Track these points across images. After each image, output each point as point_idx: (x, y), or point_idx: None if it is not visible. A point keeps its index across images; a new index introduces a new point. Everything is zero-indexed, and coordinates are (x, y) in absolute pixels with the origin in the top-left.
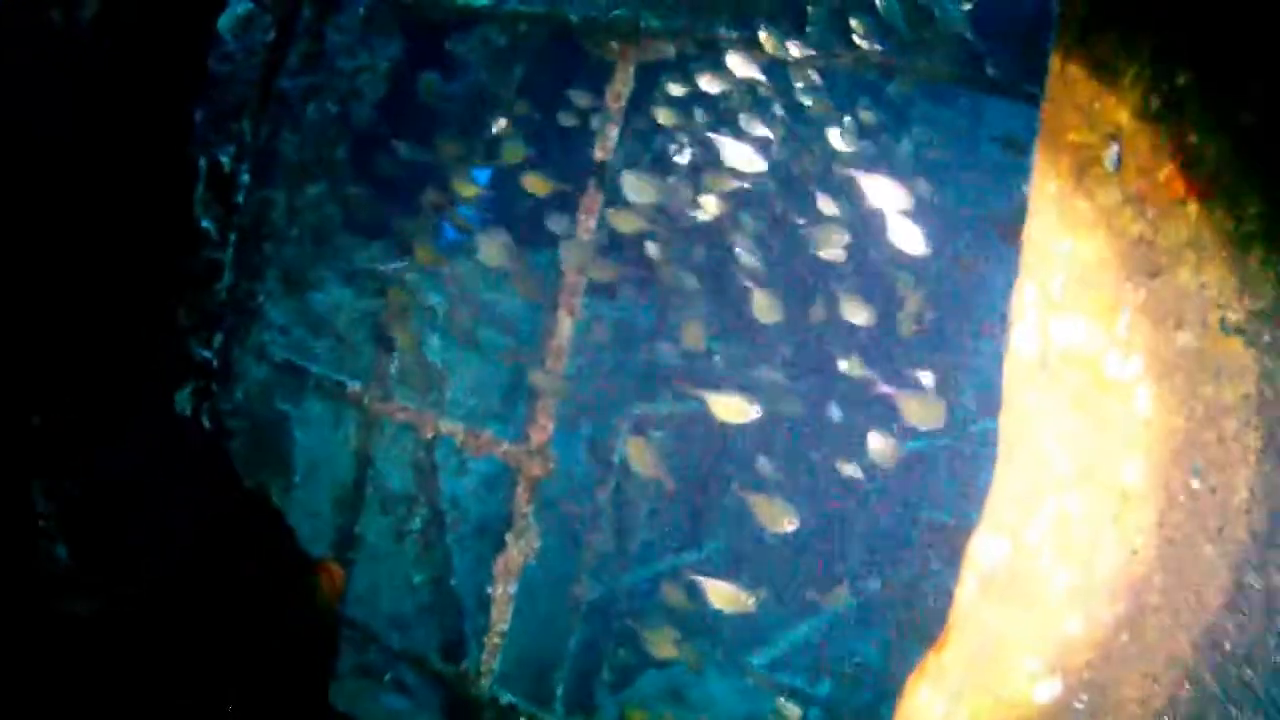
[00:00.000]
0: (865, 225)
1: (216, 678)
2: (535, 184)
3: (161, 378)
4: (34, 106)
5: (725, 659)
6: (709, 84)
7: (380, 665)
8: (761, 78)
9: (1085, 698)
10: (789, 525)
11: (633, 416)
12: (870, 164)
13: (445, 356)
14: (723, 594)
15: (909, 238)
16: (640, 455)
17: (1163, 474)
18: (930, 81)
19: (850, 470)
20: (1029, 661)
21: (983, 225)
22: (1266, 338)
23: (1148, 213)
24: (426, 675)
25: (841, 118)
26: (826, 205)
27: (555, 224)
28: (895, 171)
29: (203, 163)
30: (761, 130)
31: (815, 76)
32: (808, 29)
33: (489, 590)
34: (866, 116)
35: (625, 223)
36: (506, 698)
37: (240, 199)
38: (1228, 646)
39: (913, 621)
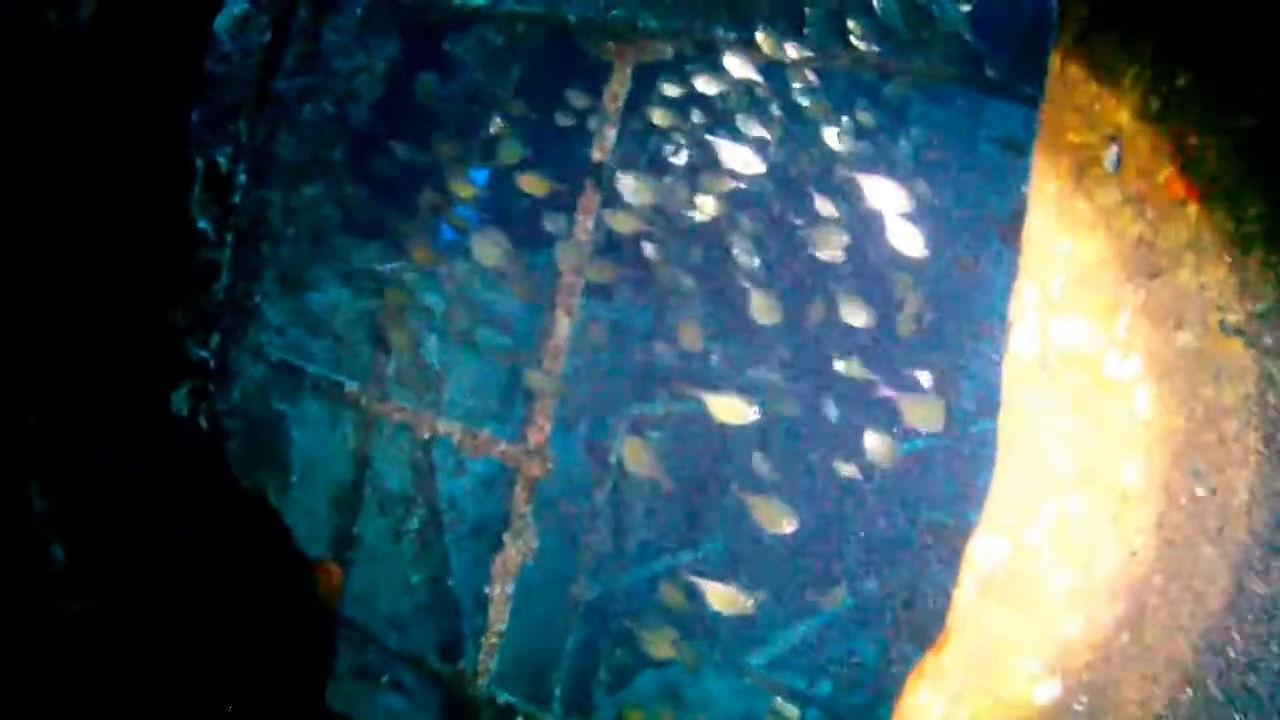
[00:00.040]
0: (863, 226)
1: (216, 678)
2: (532, 184)
3: (159, 378)
4: (32, 106)
5: (723, 659)
6: (707, 85)
7: (378, 665)
8: (759, 79)
9: (1085, 699)
10: (788, 527)
11: (630, 417)
12: (868, 165)
13: (443, 357)
14: (721, 596)
15: (907, 239)
16: (638, 455)
17: (1163, 475)
18: (928, 82)
19: (848, 470)
20: (1029, 663)
21: (982, 226)
22: (1267, 339)
23: (1147, 214)
24: (424, 675)
25: (839, 118)
26: (824, 206)
27: (552, 224)
28: (893, 172)
29: (199, 163)
30: (759, 131)
31: (813, 77)
32: (805, 30)
33: (487, 590)
34: (864, 117)
35: (622, 223)
36: (504, 698)
37: (237, 199)
38: (1228, 649)
39: (911, 622)
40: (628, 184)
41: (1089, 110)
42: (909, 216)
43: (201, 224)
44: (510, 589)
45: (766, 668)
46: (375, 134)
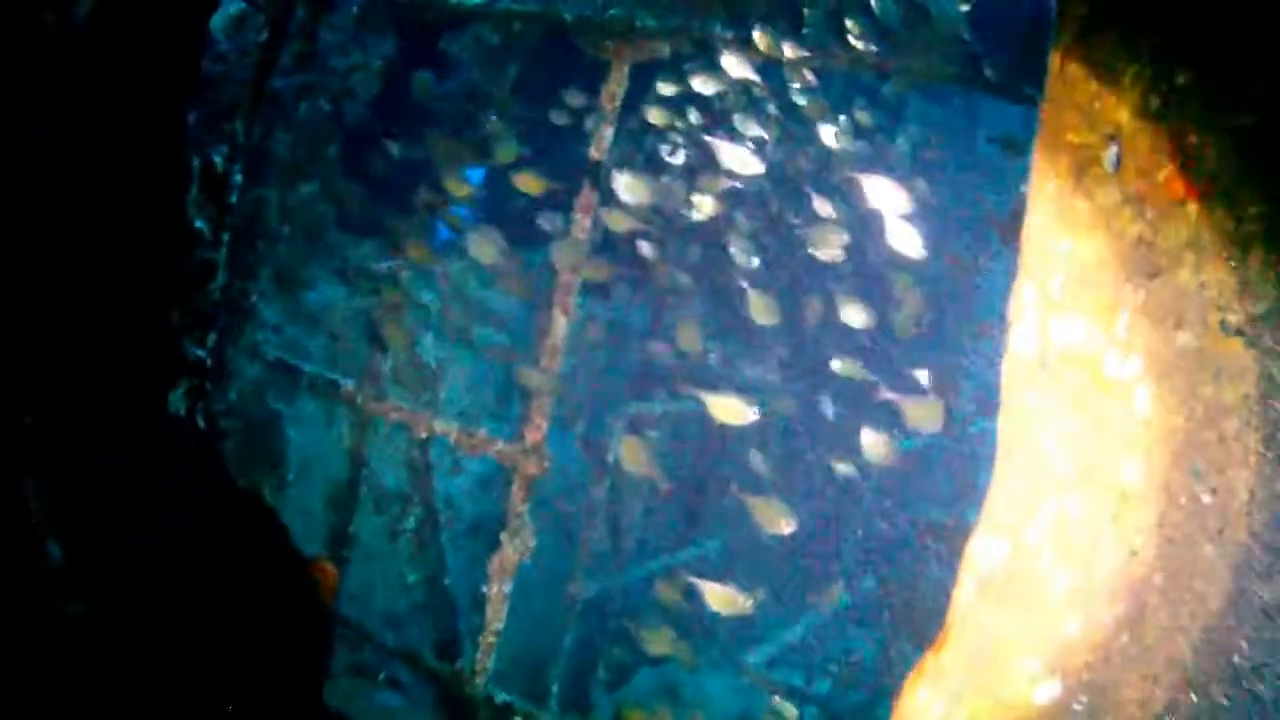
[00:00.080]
0: (862, 225)
1: (214, 679)
2: (529, 183)
3: (155, 377)
4: (30, 106)
5: (721, 657)
6: (704, 84)
7: (375, 664)
8: (756, 78)
9: (1084, 699)
10: (787, 527)
11: (628, 416)
12: (866, 164)
13: (439, 355)
14: (720, 596)
15: (906, 238)
16: (635, 455)
17: (1163, 474)
18: (927, 82)
19: (846, 469)
20: (1028, 662)
21: (981, 225)
22: (1267, 339)
23: (1147, 213)
24: (421, 674)
25: (837, 118)
26: (822, 205)
27: (549, 223)
28: (891, 172)
29: (196, 163)
30: (756, 130)
31: (810, 77)
32: (803, 29)
33: (484, 589)
34: (862, 117)
35: (619, 222)
36: (501, 696)
37: (233, 199)
38: (1229, 649)
39: (910, 621)
40: (624, 183)
41: (1088, 109)
42: (907, 216)
43: (198, 223)
44: (507, 588)
45: (764, 666)
46: (371, 132)
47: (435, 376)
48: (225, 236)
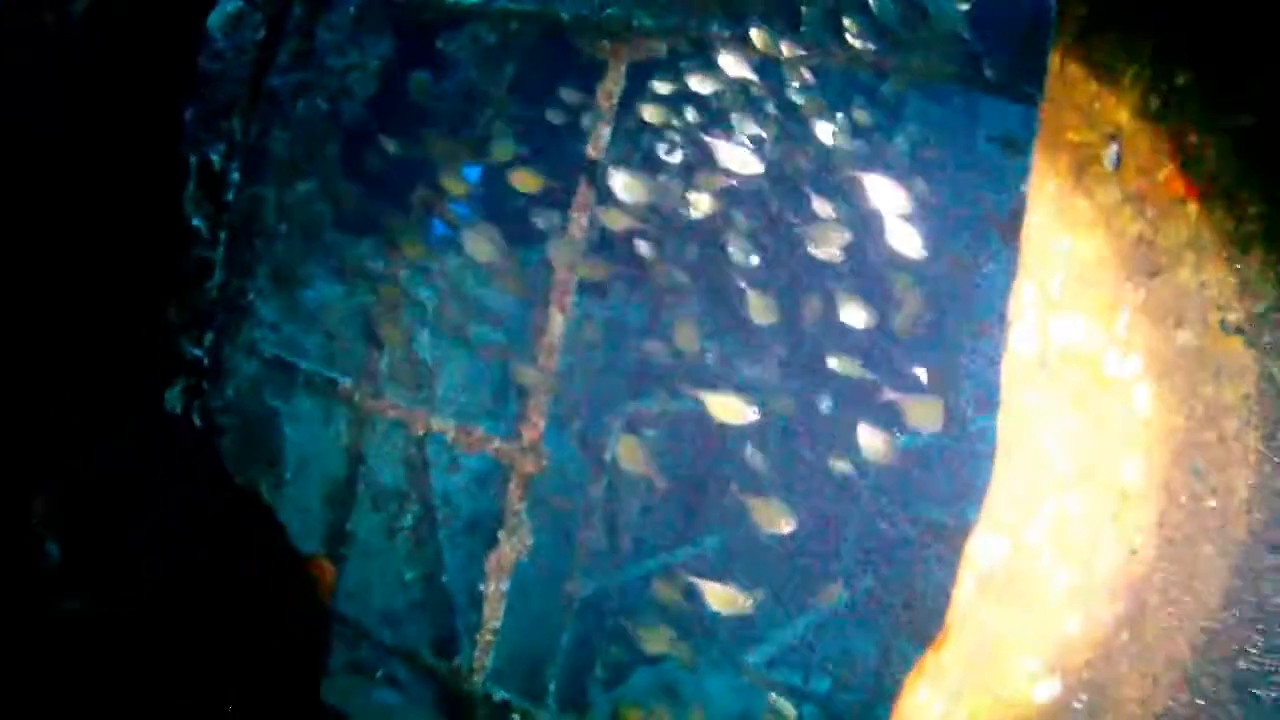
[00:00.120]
0: (860, 224)
1: (212, 676)
2: (525, 181)
3: (152, 375)
4: (29, 105)
5: (720, 656)
6: (701, 83)
7: (372, 662)
8: (754, 77)
9: (1084, 697)
10: (786, 527)
11: (625, 414)
12: (865, 163)
13: (436, 353)
14: (720, 596)
15: (905, 237)
16: (632, 453)
17: (1163, 473)
18: (925, 80)
19: (844, 468)
20: (1028, 661)
21: (980, 224)
22: (1267, 338)
23: (1147, 212)
24: (419, 671)
25: (835, 116)
26: (820, 205)
27: (546, 221)
28: (890, 170)
29: (193, 160)
30: (754, 129)
31: (808, 75)
32: (801, 28)
33: (481, 587)
34: (860, 115)
35: (615, 220)
36: (499, 694)
37: (230, 197)
38: (1229, 647)
39: (909, 620)
40: (621, 181)
41: (1088, 109)
42: (906, 215)
43: (195, 221)
44: (505, 586)
45: (763, 665)
46: (368, 131)
47: (432, 374)
48: (222, 234)
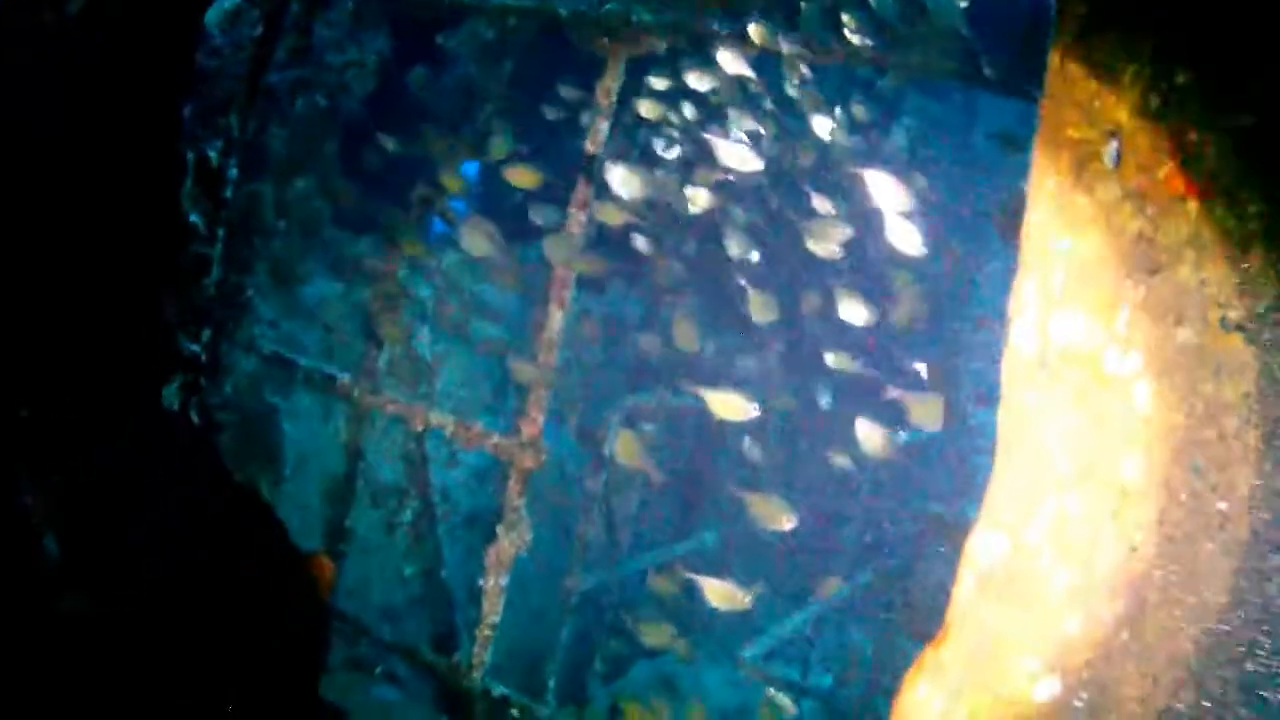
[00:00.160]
0: (859, 220)
1: (214, 674)
2: (523, 177)
3: (151, 372)
4: (27, 103)
5: (718, 650)
6: (700, 79)
7: (371, 658)
8: (751, 72)
9: (1085, 696)
10: (787, 524)
11: (624, 409)
12: (862, 159)
13: (435, 349)
14: (719, 592)
15: (903, 233)
16: (630, 448)
17: (1163, 471)
18: (924, 77)
19: (842, 462)
20: (1028, 660)
21: (979, 221)
22: (1267, 335)
23: (1147, 210)
24: (418, 667)
25: (833, 112)
26: (819, 201)
27: (544, 217)
28: (888, 166)
29: (191, 157)
30: (752, 125)
31: (806, 71)
32: (799, 24)
33: (480, 582)
34: (858, 111)
35: (613, 216)
36: (498, 689)
37: (229, 193)
38: (1230, 646)
39: (907, 616)
40: (618, 176)
41: (1088, 106)
42: (905, 211)
43: (193, 218)
44: (504, 581)
45: (762, 660)
46: (367, 128)
47: (431, 370)
48: (220, 231)
